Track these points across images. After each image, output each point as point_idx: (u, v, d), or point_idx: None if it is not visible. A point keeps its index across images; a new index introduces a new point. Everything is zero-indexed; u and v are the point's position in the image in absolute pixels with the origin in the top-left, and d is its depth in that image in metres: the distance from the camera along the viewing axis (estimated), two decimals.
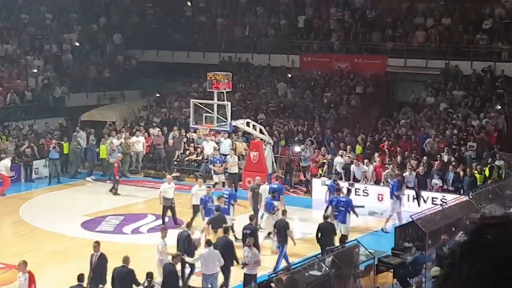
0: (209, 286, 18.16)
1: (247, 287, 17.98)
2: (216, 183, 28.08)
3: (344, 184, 26.77)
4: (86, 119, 38.00)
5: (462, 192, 25.80)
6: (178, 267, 18.21)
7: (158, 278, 18.20)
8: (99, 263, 17.69)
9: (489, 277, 1.60)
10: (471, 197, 22.60)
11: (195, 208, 23.82)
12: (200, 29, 45.57)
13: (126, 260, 17.31)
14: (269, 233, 22.45)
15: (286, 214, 21.79)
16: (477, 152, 29.86)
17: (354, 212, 22.84)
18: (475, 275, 1.62)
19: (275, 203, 23.16)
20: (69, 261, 21.44)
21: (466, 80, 35.66)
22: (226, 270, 18.82)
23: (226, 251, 18.72)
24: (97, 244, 18.11)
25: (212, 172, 29.78)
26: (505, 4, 37.51)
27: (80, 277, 16.55)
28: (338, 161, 29.18)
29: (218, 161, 29.79)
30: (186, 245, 19.30)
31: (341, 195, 23.44)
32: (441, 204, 23.31)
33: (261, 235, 21.95)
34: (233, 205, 23.32)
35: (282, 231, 20.83)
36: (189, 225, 20.68)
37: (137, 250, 21.95)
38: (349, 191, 24.19)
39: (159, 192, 25.22)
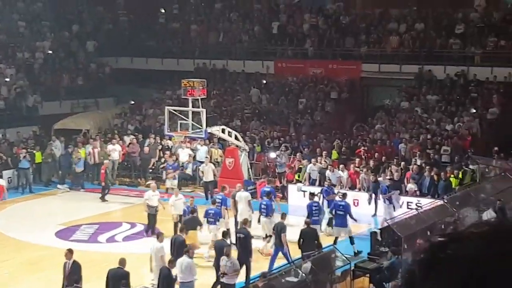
0: None
1: None
2: (167, 189, 29.00)
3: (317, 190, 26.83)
4: (59, 128, 37.69)
5: (437, 196, 25.86)
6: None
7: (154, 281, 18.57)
8: (72, 271, 17.54)
9: None
10: (445, 201, 22.67)
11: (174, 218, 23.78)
12: (174, 36, 45.47)
13: (122, 262, 17.41)
14: (266, 236, 22.57)
15: (285, 217, 21.68)
16: (451, 156, 29.99)
17: (351, 217, 22.86)
18: None
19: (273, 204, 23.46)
20: (44, 270, 21.27)
21: (439, 84, 35.87)
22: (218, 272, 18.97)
23: (221, 254, 18.90)
24: (68, 251, 17.94)
25: (164, 176, 30.23)
26: (478, 8, 37.81)
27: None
28: (312, 168, 29.20)
29: (171, 167, 30.24)
30: (180, 249, 19.34)
31: (338, 199, 23.57)
32: (416, 209, 23.37)
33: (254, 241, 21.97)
34: (226, 209, 23.45)
35: (278, 234, 20.87)
36: (182, 229, 20.62)
37: (113, 259, 21.71)
38: (344, 195, 24.20)
39: (144, 200, 25.01)
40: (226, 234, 20.19)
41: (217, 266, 18.88)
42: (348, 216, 22.63)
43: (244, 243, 19.78)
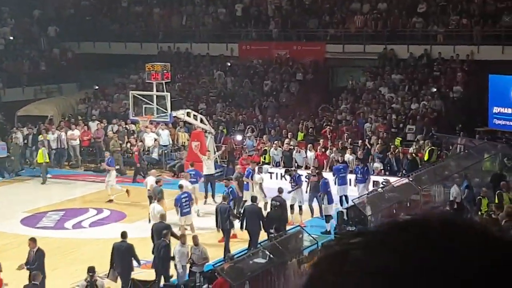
0: None
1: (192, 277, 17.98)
2: None
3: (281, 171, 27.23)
4: (22, 114, 37.27)
5: (402, 174, 26.02)
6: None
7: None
8: (37, 259, 17.45)
9: None
10: (411, 179, 22.85)
11: (150, 199, 23.72)
12: (137, 20, 45.04)
13: (162, 216, 19.74)
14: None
15: None
16: (416, 134, 30.24)
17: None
18: None
19: None
20: (10, 258, 20.99)
21: (403, 64, 36.04)
22: (254, 235, 20.09)
23: (254, 217, 20.25)
24: (31, 241, 17.88)
25: None
26: None
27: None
28: (273, 152, 29.21)
29: None
30: (230, 215, 20.66)
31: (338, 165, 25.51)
32: (382, 187, 23.51)
33: None
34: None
35: None
36: (225, 198, 21.50)
37: (79, 245, 21.69)
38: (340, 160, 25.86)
39: (147, 189, 24.77)
40: (255, 199, 21.43)
41: (249, 229, 20.11)
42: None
43: (280, 210, 20.93)
